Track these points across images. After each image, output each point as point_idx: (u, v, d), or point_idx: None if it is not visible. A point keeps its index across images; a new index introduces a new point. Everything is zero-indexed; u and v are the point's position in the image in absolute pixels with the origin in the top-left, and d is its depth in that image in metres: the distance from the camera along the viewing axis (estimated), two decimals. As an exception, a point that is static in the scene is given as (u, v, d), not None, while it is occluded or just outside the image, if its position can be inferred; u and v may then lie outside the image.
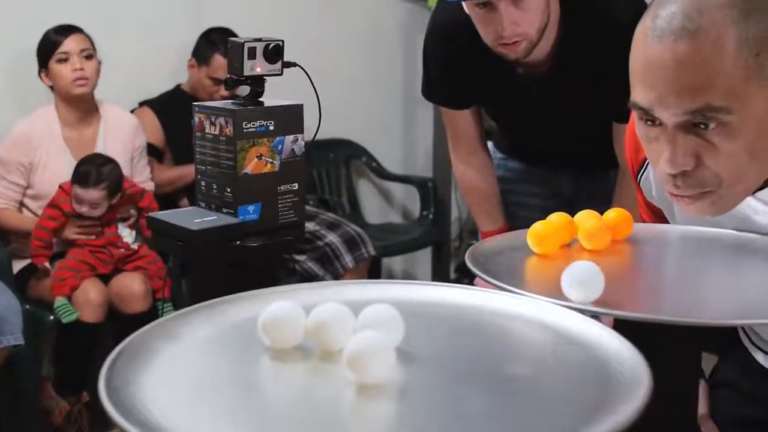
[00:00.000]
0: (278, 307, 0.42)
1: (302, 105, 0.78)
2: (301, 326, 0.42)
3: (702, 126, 0.53)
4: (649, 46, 0.53)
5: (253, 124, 0.73)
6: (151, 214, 0.74)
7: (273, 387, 0.41)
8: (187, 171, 1.88)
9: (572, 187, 1.30)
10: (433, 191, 2.62)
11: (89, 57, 1.78)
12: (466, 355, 0.44)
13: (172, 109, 2.04)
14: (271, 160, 0.75)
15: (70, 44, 1.76)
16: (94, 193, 1.65)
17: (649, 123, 0.56)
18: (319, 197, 2.48)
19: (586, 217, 0.67)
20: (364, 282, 0.53)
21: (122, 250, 1.74)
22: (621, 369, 0.40)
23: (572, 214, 0.68)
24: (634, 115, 0.61)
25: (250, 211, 0.74)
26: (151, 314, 1.63)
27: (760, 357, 0.72)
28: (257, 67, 0.74)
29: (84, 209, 1.67)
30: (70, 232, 1.71)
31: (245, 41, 0.72)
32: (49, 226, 1.68)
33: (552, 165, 1.30)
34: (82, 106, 1.82)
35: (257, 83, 0.75)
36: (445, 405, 0.36)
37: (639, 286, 0.66)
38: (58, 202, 1.69)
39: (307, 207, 2.36)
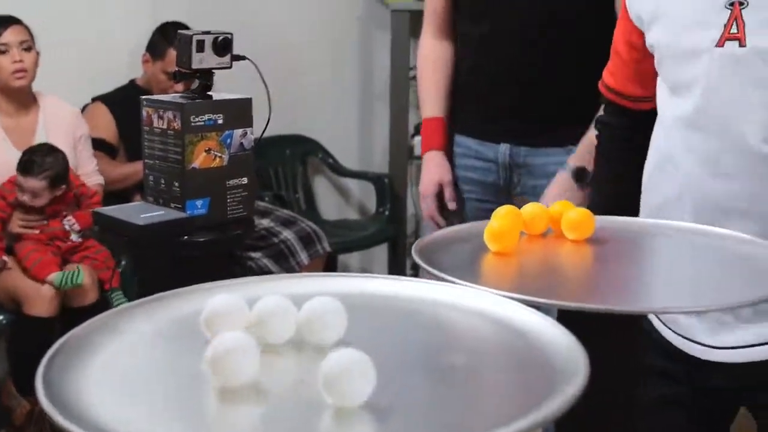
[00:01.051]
0: (220, 300, 0.42)
1: (251, 99, 0.77)
2: (243, 319, 0.42)
3: None
4: None
5: (201, 118, 0.72)
6: (97, 209, 0.73)
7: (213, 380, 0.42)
8: (140, 167, 1.78)
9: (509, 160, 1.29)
10: (390, 187, 2.62)
11: (28, 49, 1.74)
12: (405, 346, 0.45)
13: (126, 104, 1.94)
14: (219, 154, 0.74)
15: (8, 36, 1.72)
16: (35, 183, 1.62)
17: None
18: (274, 194, 2.44)
19: (532, 209, 0.69)
20: (307, 275, 0.53)
21: (69, 241, 1.70)
22: (558, 356, 0.41)
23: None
24: None
25: (199, 206, 0.73)
26: (100, 305, 1.59)
27: (668, 334, 0.76)
28: (205, 60, 0.73)
29: (26, 197, 1.64)
30: (15, 225, 1.67)
31: (194, 34, 0.72)
32: None
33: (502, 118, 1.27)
34: (20, 97, 1.79)
35: (206, 77, 0.74)
36: (381, 394, 0.37)
37: (581, 279, 0.68)
38: (4, 192, 1.66)
39: (262, 203, 2.35)
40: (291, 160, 2.56)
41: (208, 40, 0.73)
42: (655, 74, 0.76)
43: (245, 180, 0.77)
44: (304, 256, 2.19)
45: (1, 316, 1.59)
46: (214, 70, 0.75)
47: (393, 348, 0.44)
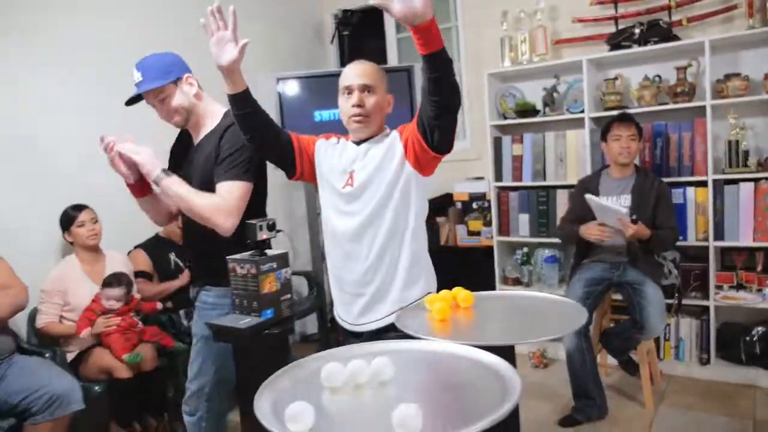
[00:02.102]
0: (331, 365, 1.08)
1: (287, 252, 1.45)
2: (343, 374, 1.08)
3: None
4: None
5: (266, 266, 1.38)
6: (210, 321, 1.35)
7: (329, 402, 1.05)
8: (167, 286, 3.09)
9: None
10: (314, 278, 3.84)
11: (95, 221, 2.81)
12: (417, 379, 1.14)
13: (155, 248, 3.15)
14: (275, 284, 1.40)
15: (83, 216, 2.77)
16: (117, 291, 2.64)
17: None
18: None
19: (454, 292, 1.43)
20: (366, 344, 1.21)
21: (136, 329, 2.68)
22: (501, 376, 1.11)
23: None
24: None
25: (268, 313, 1.38)
26: (158, 369, 2.65)
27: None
28: (264, 235, 1.40)
29: (111, 303, 2.62)
30: (99, 326, 2.60)
31: (257, 222, 1.39)
32: (89, 317, 2.61)
33: None
34: (93, 252, 2.82)
35: (264, 244, 1.41)
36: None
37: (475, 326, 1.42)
38: (93, 307, 2.63)
39: None
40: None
41: (265, 223, 1.40)
42: None
43: (288, 296, 1.43)
44: None
45: (98, 386, 2.53)
46: (268, 240, 1.42)
47: (409, 380, 1.12)
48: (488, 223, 3.76)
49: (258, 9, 3.95)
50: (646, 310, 2.63)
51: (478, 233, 3.79)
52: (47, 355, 2.54)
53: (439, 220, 3.88)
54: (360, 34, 4.19)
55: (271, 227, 1.42)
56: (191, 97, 1.90)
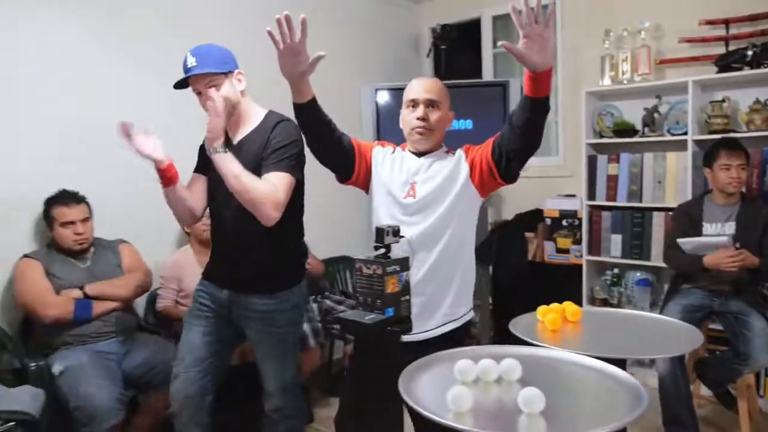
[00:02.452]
0: (463, 362, 1.18)
1: (408, 257, 1.56)
2: (474, 371, 1.18)
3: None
4: None
5: (390, 269, 1.49)
6: (337, 315, 1.48)
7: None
8: None
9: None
10: None
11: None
12: (541, 380, 1.22)
13: None
14: (398, 285, 1.51)
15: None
16: None
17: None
18: (341, 290, 3.51)
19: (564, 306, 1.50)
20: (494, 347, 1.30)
21: None
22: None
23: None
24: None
25: (390, 312, 1.49)
26: None
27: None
28: (389, 239, 1.52)
29: None
30: None
31: (385, 228, 1.51)
32: None
33: None
34: (206, 245, 2.78)
35: (389, 247, 1.53)
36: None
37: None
38: None
39: (336, 296, 3.32)
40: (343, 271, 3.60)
41: (392, 229, 1.52)
42: None
43: (408, 297, 1.54)
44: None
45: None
46: (391, 244, 1.53)
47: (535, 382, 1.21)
48: (578, 241, 3.75)
49: (358, 21, 4.14)
50: (752, 342, 2.55)
51: (566, 251, 3.78)
52: (163, 334, 2.81)
53: (528, 235, 3.90)
54: (456, 48, 4.30)
55: (396, 233, 1.54)
56: (238, 92, 1.95)
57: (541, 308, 1.60)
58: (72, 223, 2.56)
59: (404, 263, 1.53)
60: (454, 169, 1.75)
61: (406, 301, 1.54)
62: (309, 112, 1.64)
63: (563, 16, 3.91)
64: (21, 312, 2.59)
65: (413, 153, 1.83)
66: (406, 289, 1.54)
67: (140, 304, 2.95)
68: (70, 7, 2.77)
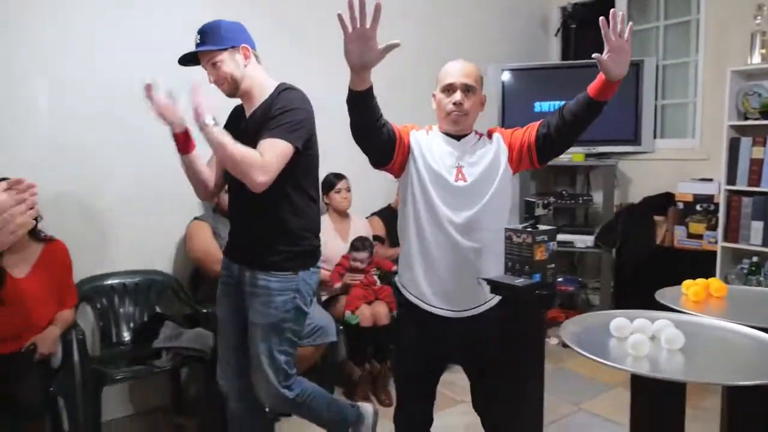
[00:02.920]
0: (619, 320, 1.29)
1: (556, 228, 1.66)
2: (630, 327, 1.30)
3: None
4: None
5: (539, 238, 1.61)
6: (489, 278, 1.62)
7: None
8: (398, 250, 3.27)
9: None
10: None
11: (349, 190, 3.30)
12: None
13: (387, 217, 3.56)
14: (546, 254, 1.63)
15: (341, 184, 3.28)
16: (363, 255, 3.10)
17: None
18: None
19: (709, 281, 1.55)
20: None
21: (376, 287, 3.12)
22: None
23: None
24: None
25: (537, 277, 1.61)
26: (390, 325, 2.99)
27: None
28: (540, 211, 1.63)
29: (357, 264, 3.09)
30: (346, 280, 3.10)
31: (535, 200, 1.62)
32: (339, 271, 3.11)
33: None
34: (342, 215, 3.33)
35: (537, 219, 1.64)
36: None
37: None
38: (343, 263, 3.13)
39: None
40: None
41: (542, 202, 1.63)
42: None
43: (553, 265, 1.65)
44: None
45: (340, 326, 3.00)
46: (540, 216, 1.65)
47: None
48: (712, 227, 3.60)
49: (488, 1, 4.18)
50: None
51: (699, 236, 3.65)
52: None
53: (657, 219, 3.80)
54: (587, 27, 4.22)
55: (546, 205, 1.65)
56: (242, 67, 1.91)
57: (687, 282, 1.64)
58: (234, 190, 2.91)
59: (552, 234, 1.64)
60: (496, 152, 1.82)
61: (551, 269, 1.65)
62: (364, 101, 1.57)
63: (708, -9, 3.72)
64: (190, 267, 3.00)
65: (449, 135, 1.83)
66: (552, 257, 1.65)
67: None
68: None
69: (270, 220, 1.93)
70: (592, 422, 2.81)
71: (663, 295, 1.57)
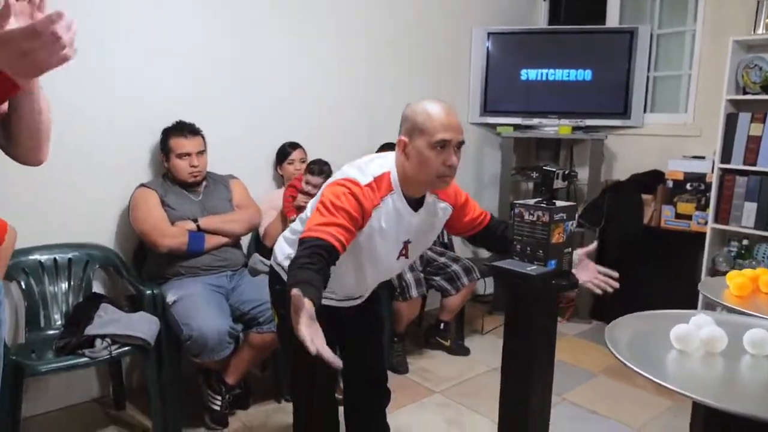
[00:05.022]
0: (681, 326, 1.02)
1: (576, 204, 1.37)
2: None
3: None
4: None
5: (558, 216, 1.32)
6: (494, 263, 1.33)
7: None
8: None
9: None
10: None
11: (303, 161, 2.98)
12: None
13: None
14: (563, 235, 1.34)
15: (295, 155, 2.98)
16: (318, 179, 2.68)
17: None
18: (441, 242, 3.35)
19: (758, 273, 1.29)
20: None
21: None
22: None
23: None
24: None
25: (552, 264, 1.33)
26: None
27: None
28: (559, 184, 1.34)
29: (310, 188, 2.71)
30: (299, 202, 2.73)
31: (556, 170, 1.33)
32: (292, 194, 2.78)
33: None
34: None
35: (555, 194, 1.35)
36: None
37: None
38: (295, 184, 2.80)
39: (437, 248, 3.23)
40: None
41: (562, 172, 1.34)
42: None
43: (570, 249, 1.37)
44: (465, 280, 3.03)
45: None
46: (559, 189, 1.35)
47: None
48: (702, 208, 3.41)
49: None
50: None
51: (688, 217, 3.46)
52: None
53: (645, 197, 3.59)
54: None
55: (567, 176, 1.36)
56: None
57: (732, 273, 1.39)
58: (188, 154, 2.53)
59: (572, 211, 1.36)
60: (441, 222, 1.65)
61: (568, 254, 1.37)
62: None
63: (709, -46, 3.46)
64: (135, 241, 2.62)
65: (408, 200, 1.51)
66: (570, 240, 1.37)
67: (243, 240, 2.93)
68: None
69: None
70: (575, 414, 2.61)
71: (706, 286, 1.31)
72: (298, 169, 2.94)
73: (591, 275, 1.53)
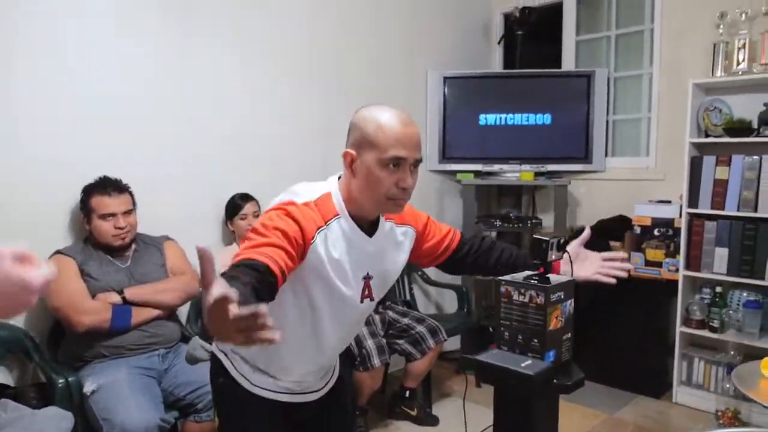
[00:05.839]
0: None
1: (573, 280, 1.14)
2: None
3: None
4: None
5: (555, 296, 1.08)
6: (480, 358, 1.07)
7: None
8: None
9: None
10: (466, 294, 3.53)
11: (257, 215, 2.65)
12: None
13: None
14: (561, 319, 1.09)
15: (247, 209, 2.68)
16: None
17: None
18: (403, 300, 3.12)
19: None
20: None
21: None
22: None
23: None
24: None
25: (551, 356, 1.08)
26: None
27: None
28: (554, 255, 1.10)
29: None
30: None
31: (550, 239, 1.09)
32: None
33: None
34: None
35: (549, 266, 1.11)
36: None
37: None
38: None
39: (399, 307, 3.01)
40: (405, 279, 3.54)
41: (555, 242, 1.10)
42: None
43: (569, 334, 1.12)
44: (431, 342, 2.84)
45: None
46: (556, 259, 1.11)
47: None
48: (671, 254, 3.28)
49: (427, 3, 3.73)
50: None
51: (658, 264, 3.31)
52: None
53: (613, 244, 3.44)
54: (534, 36, 3.86)
55: (561, 246, 1.12)
56: None
57: (765, 360, 1.17)
58: (113, 215, 2.20)
59: (569, 289, 1.12)
60: (403, 252, 1.38)
61: (567, 341, 1.12)
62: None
63: (663, -3, 3.44)
64: (51, 318, 2.24)
65: (359, 225, 1.27)
66: (568, 324, 1.12)
67: (182, 312, 2.58)
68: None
69: None
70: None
71: (739, 378, 1.09)
72: (251, 224, 2.64)
73: (596, 266, 1.34)
